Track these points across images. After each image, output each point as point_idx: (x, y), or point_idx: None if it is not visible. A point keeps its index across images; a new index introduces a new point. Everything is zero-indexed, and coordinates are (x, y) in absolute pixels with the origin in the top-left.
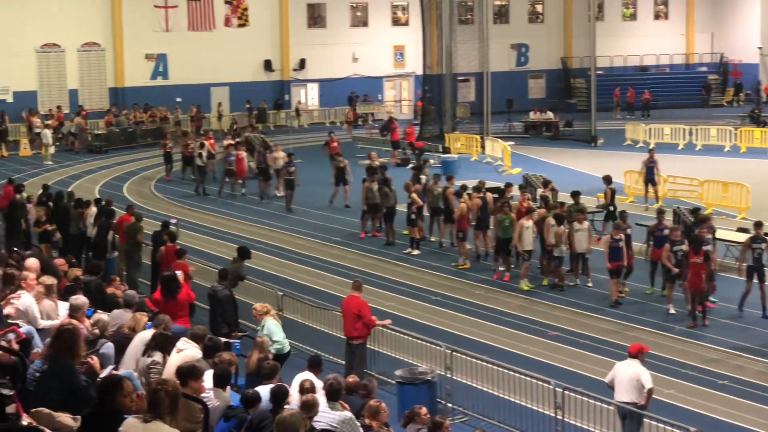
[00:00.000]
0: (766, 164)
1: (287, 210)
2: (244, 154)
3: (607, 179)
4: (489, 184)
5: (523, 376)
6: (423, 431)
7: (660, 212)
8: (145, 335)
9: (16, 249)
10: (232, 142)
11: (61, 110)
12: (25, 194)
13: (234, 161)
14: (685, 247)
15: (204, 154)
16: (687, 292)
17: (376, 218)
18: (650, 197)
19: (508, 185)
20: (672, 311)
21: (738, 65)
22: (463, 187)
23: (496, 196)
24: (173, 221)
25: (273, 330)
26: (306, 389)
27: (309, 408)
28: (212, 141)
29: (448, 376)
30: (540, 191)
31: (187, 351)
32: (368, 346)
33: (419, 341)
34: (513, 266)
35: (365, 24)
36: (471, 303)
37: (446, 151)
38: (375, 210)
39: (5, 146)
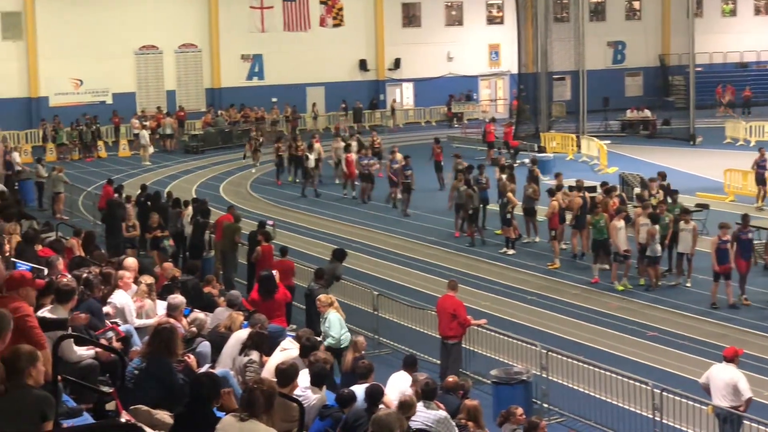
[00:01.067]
0: None
1: (404, 214)
2: (354, 156)
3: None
4: (586, 183)
5: (619, 377)
6: (518, 431)
7: (745, 216)
8: (242, 334)
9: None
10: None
11: (161, 111)
12: (124, 195)
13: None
14: None
15: (312, 156)
16: None
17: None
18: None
19: (613, 187)
20: None
21: None
22: (558, 187)
23: (593, 195)
24: (270, 222)
25: (334, 323)
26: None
27: (407, 408)
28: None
29: (544, 376)
30: (636, 190)
31: (290, 351)
32: (463, 345)
33: (515, 341)
34: (608, 268)
35: (460, 23)
36: (566, 303)
37: (541, 150)
38: (459, 210)
39: (104, 147)
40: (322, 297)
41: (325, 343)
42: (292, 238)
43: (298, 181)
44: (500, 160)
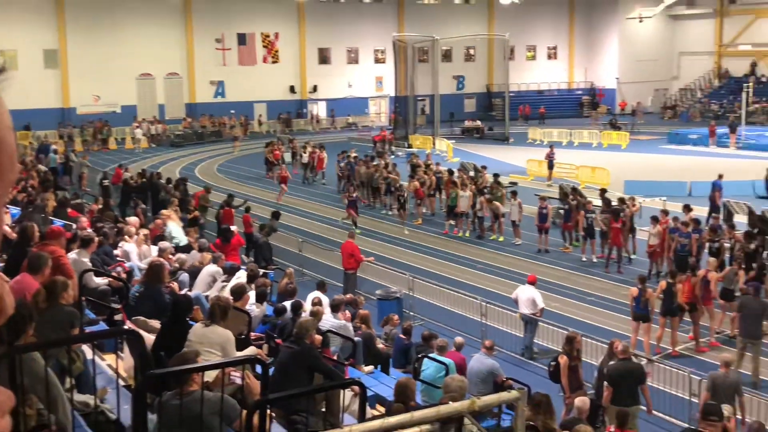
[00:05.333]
0: (621, 155)
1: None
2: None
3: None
4: (439, 167)
5: (459, 294)
6: (394, 331)
7: (568, 192)
8: (210, 268)
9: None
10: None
11: (155, 119)
12: (128, 174)
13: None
14: (595, 215)
15: (305, 154)
16: (606, 247)
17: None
18: (554, 177)
19: (483, 167)
20: (584, 258)
21: (603, 89)
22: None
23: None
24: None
25: (173, 229)
26: (315, 303)
27: (317, 315)
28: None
29: (411, 294)
30: (471, 173)
31: (241, 278)
32: (358, 275)
33: (391, 271)
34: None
35: (357, 62)
36: (426, 246)
37: (410, 147)
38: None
39: (114, 142)
40: (163, 212)
41: (172, 243)
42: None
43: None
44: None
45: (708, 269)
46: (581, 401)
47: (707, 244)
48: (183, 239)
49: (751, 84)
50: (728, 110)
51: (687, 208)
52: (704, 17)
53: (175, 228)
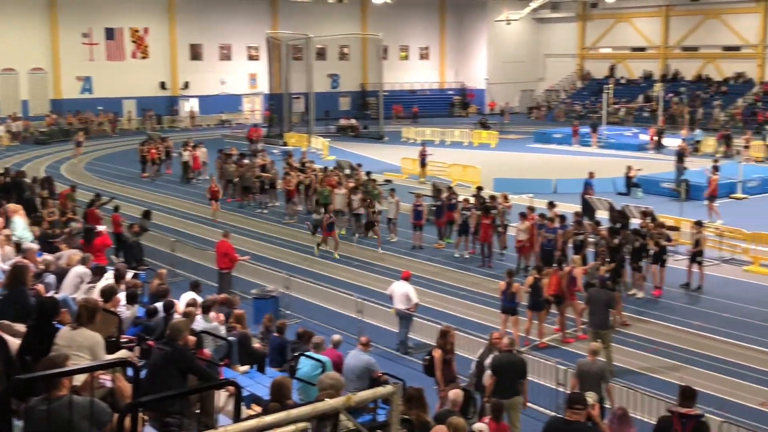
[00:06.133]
0: (490, 153)
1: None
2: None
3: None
4: (315, 165)
5: (336, 292)
6: (271, 330)
7: (441, 189)
8: (78, 269)
9: None
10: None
11: (15, 114)
12: None
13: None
14: (469, 213)
15: (186, 154)
16: (477, 243)
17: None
18: (427, 174)
19: (359, 165)
20: (457, 255)
21: (473, 90)
22: (292, 168)
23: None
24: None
25: (18, 224)
26: (190, 304)
27: (190, 316)
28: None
29: (287, 292)
30: (347, 171)
31: (110, 279)
32: (233, 274)
33: (267, 269)
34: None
35: (229, 58)
36: (299, 243)
37: (285, 144)
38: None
39: None
40: (9, 206)
41: (14, 239)
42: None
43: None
44: (257, 150)
45: (573, 266)
46: (455, 394)
47: (572, 239)
48: (28, 236)
49: (611, 85)
50: (590, 110)
51: (552, 205)
52: (567, 21)
53: (20, 224)
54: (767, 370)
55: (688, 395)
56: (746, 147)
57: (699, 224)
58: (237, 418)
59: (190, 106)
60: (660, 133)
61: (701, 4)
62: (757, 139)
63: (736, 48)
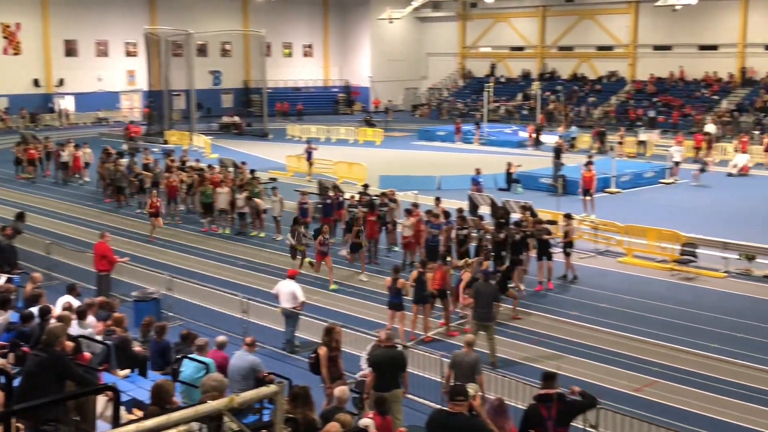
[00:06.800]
0: (376, 151)
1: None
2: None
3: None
4: (199, 165)
5: (220, 292)
6: (151, 333)
7: (328, 187)
8: None
9: None
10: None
11: None
12: None
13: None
14: (357, 210)
15: (65, 154)
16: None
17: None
18: (313, 172)
19: (243, 163)
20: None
21: (357, 88)
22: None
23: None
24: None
25: None
26: (66, 308)
27: (66, 320)
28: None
29: (170, 294)
30: (231, 170)
31: None
32: (113, 276)
33: (148, 271)
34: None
35: (106, 54)
36: (184, 245)
37: (166, 142)
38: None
39: None
40: None
41: None
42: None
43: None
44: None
45: (465, 271)
46: (341, 391)
47: (455, 233)
48: None
49: (491, 84)
50: (472, 108)
51: (438, 201)
52: (448, 20)
53: None
54: (641, 357)
55: (547, 377)
56: (620, 143)
57: (568, 217)
58: (116, 423)
59: (64, 104)
60: (538, 130)
61: (576, 5)
62: (630, 135)
63: (609, 48)
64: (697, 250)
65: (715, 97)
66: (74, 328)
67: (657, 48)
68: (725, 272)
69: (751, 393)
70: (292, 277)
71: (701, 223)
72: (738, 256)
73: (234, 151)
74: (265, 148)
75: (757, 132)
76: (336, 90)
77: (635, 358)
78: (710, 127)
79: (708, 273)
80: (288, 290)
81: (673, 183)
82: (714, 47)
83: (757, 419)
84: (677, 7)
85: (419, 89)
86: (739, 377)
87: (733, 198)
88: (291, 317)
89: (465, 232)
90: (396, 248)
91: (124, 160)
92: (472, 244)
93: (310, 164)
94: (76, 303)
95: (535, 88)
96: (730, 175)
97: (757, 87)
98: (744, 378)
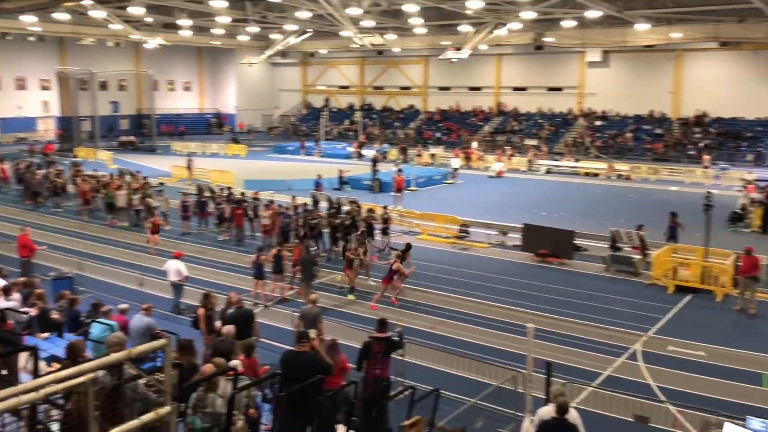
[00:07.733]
0: (241, 162)
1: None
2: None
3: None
4: (100, 173)
5: (121, 270)
6: (64, 302)
7: (204, 189)
8: None
9: None
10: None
11: None
12: None
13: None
14: (226, 206)
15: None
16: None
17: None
18: (192, 178)
19: (138, 172)
20: (220, 238)
21: (226, 114)
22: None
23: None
24: None
25: None
26: None
27: None
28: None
29: (82, 273)
30: (128, 177)
31: None
32: (34, 261)
33: (62, 256)
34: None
35: (25, 88)
36: (92, 235)
37: (75, 156)
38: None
39: None
40: None
41: None
42: None
43: None
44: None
45: (393, 260)
46: (227, 329)
47: (303, 221)
48: None
49: (326, 112)
50: (313, 130)
51: (293, 198)
52: (294, 65)
53: None
54: (434, 304)
55: (382, 323)
56: (418, 155)
57: (385, 207)
58: (35, 374)
59: None
60: (361, 146)
61: (385, 57)
62: (424, 150)
63: (408, 88)
64: (469, 229)
65: (480, 123)
66: (1, 302)
67: (441, 88)
68: (488, 243)
69: (507, 326)
70: (177, 258)
71: (472, 210)
72: (497, 232)
73: (130, 163)
74: (155, 160)
75: (507, 147)
76: (209, 116)
77: (429, 305)
78: (475, 145)
79: (477, 245)
80: (174, 267)
81: (453, 183)
82: (479, 88)
83: (507, 343)
84: (454, 60)
85: (273, 115)
86: (499, 315)
87: (492, 193)
88: (177, 287)
89: (315, 221)
90: (258, 234)
91: (41, 171)
92: (324, 230)
93: (190, 172)
94: (2, 282)
95: (358, 116)
96: (490, 177)
97: (507, 116)
98: (502, 315)
